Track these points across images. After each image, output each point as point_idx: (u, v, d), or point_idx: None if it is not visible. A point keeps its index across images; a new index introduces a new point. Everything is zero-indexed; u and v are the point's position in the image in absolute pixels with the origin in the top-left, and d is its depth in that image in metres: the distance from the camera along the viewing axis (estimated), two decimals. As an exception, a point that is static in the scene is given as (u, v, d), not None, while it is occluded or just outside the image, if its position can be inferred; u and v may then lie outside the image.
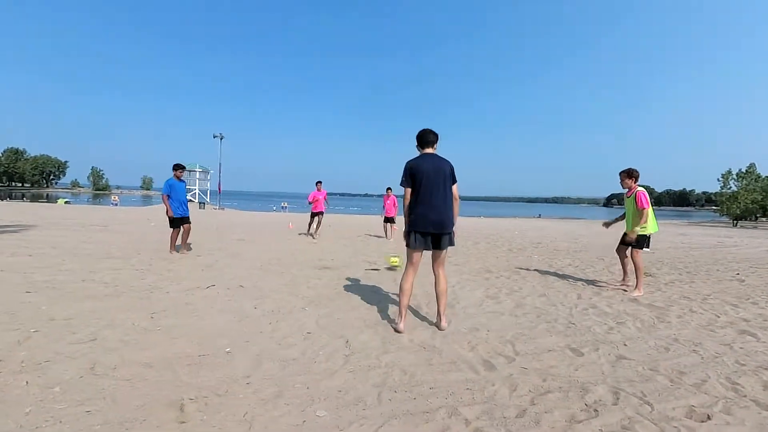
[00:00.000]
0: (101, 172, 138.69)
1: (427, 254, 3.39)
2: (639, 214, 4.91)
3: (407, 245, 3.31)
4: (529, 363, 2.65)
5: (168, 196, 6.81)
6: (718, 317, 3.89)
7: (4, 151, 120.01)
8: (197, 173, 47.11)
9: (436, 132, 3.36)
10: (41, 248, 6.71)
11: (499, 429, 1.84)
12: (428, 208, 3.16)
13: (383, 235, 11.76)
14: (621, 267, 5.51)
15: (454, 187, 3.30)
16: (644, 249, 5.02)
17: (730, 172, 46.86)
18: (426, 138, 3.33)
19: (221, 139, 38.62)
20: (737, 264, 8.01)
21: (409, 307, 3.91)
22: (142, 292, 4.18)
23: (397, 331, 3.23)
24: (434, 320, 3.50)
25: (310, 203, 10.68)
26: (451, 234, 3.25)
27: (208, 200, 45.84)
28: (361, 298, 4.32)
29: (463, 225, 20.01)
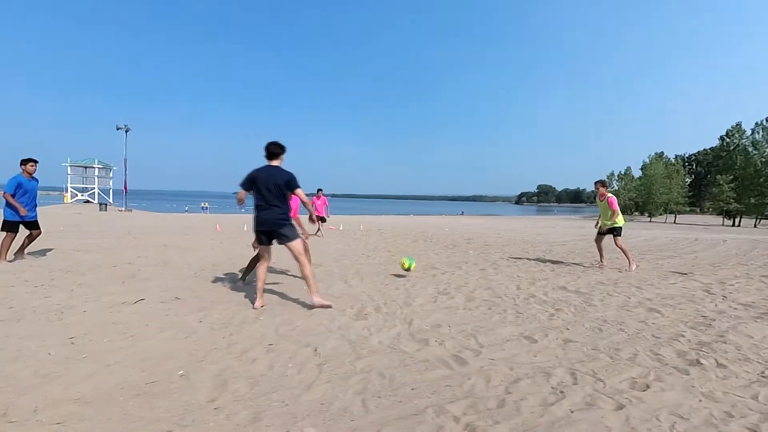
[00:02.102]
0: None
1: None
2: (612, 213, 6.69)
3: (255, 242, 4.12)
4: (494, 354, 2.81)
5: (12, 195, 5.67)
6: (629, 299, 4.56)
7: None
8: (96, 170, 40.89)
9: (282, 145, 3.95)
10: None
11: (487, 421, 1.92)
12: (261, 212, 3.83)
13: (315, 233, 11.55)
14: (597, 252, 7.09)
15: (299, 192, 3.87)
16: (621, 236, 6.85)
17: (612, 173, 55.54)
18: (269, 151, 3.91)
19: (127, 131, 34.09)
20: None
21: (377, 308, 3.90)
22: (50, 314, 3.49)
23: (254, 307, 3.85)
24: (400, 322, 3.55)
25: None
26: (284, 230, 3.86)
27: (111, 201, 40.06)
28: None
29: (396, 223, 20.52)
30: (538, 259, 7.83)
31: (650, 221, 46.10)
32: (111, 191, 42.84)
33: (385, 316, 3.71)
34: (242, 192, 3.89)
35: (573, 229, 19.61)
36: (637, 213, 56.80)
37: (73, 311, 3.60)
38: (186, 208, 36.16)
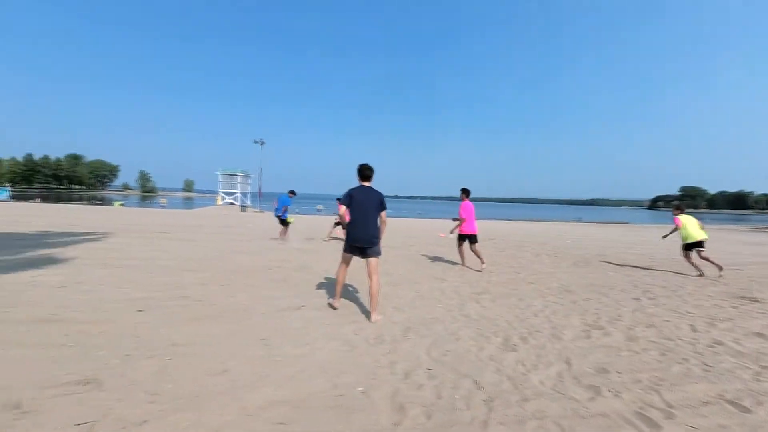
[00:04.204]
0: (148, 175, 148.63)
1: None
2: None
3: (344, 250, 4.46)
4: (692, 419, 2.40)
5: (285, 208, 10.95)
6: None
7: (66, 157, 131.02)
8: (239, 177, 49.01)
9: (372, 167, 4.41)
10: (125, 259, 7.07)
11: None
12: (356, 228, 4.28)
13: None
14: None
15: (383, 213, 4.38)
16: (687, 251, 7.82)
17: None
18: (363, 173, 4.39)
19: (262, 144, 39.90)
20: None
21: (523, 338, 3.74)
22: (238, 312, 4.26)
23: (332, 306, 4.55)
24: (556, 360, 3.31)
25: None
26: (375, 247, 4.33)
27: (249, 203, 47.52)
28: (457, 324, 4.18)
29: (506, 231, 19.37)
30: (705, 289, 6.47)
31: None
32: (249, 195, 50.92)
33: (536, 350, 3.50)
34: (343, 207, 4.36)
35: (740, 246, 15.67)
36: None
37: (254, 312, 4.32)
38: (319, 208, 40.15)
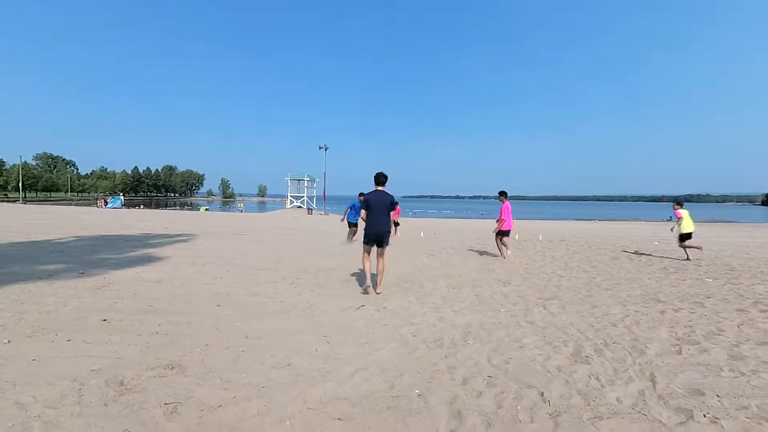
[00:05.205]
0: (228, 183, 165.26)
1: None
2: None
3: (364, 243, 5.46)
4: (821, 461, 1.97)
5: (349, 210, 11.25)
6: None
7: (162, 168, 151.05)
8: (305, 182, 51.94)
9: (386, 175, 5.46)
10: (209, 258, 7.88)
11: None
12: (372, 225, 5.32)
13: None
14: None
15: (393, 212, 5.45)
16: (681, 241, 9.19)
17: None
18: (377, 179, 5.42)
19: (326, 150, 41.79)
20: None
21: (597, 350, 3.42)
22: (304, 310, 4.50)
23: (365, 292, 5.31)
24: (637, 376, 2.97)
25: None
26: (387, 238, 5.42)
27: (314, 206, 50.13)
28: (522, 330, 3.95)
29: (580, 231, 17.80)
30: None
31: None
32: (315, 198, 53.76)
33: (613, 364, 3.17)
34: (364, 211, 5.34)
35: None
36: None
37: (318, 310, 4.53)
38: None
